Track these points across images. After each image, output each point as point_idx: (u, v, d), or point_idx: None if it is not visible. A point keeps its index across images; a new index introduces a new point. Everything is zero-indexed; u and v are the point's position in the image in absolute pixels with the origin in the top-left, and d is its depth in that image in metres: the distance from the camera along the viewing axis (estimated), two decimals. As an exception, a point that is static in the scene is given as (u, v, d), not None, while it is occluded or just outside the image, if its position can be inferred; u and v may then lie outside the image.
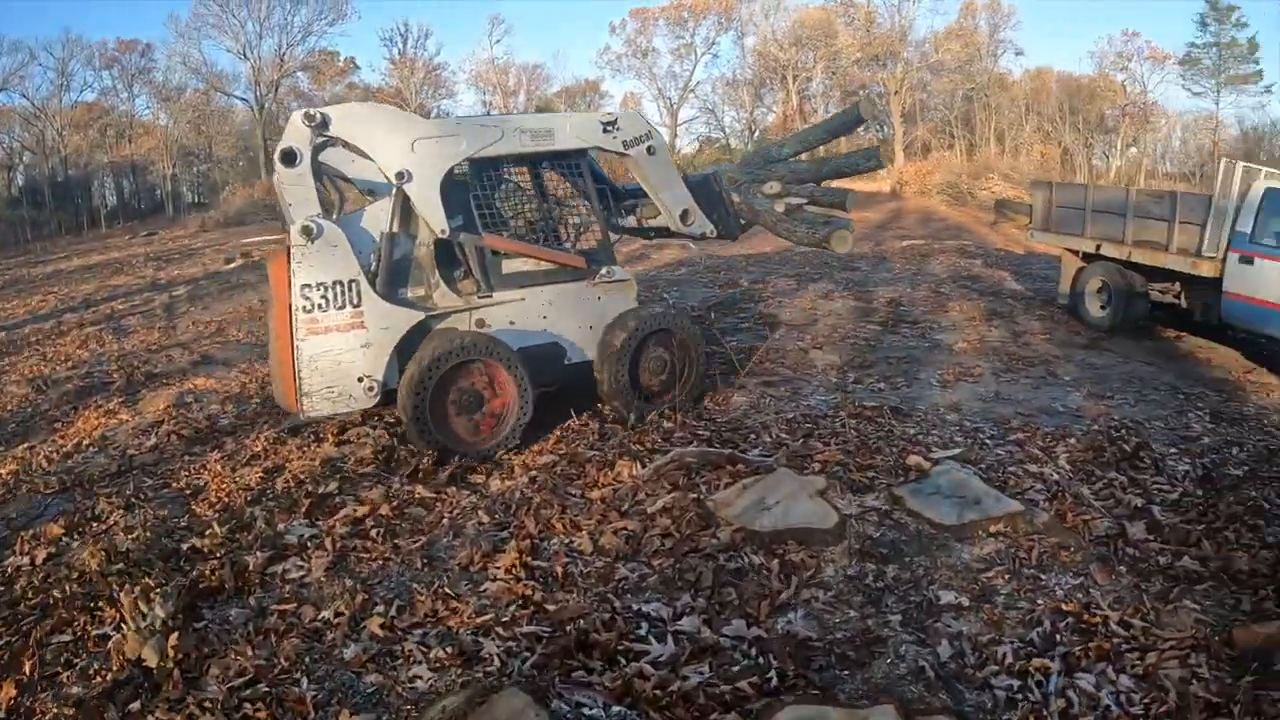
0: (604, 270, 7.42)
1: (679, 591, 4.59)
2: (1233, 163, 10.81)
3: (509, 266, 7.05)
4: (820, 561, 4.90)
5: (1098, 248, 12.28)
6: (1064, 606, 4.52)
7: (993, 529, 5.29)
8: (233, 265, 20.36)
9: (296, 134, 6.18)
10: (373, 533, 5.41)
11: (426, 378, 6.42)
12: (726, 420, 7.55)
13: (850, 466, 6.11)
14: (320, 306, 6.20)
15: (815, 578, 4.76)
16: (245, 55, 49.47)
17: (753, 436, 6.93)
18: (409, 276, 6.83)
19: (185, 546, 5.27)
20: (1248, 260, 10.40)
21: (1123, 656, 4.08)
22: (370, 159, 6.56)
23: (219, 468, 6.71)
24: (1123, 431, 7.51)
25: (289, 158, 6.17)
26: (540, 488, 6.09)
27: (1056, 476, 6.24)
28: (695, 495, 5.64)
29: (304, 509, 5.77)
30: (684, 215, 7.71)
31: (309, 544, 5.27)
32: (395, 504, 5.83)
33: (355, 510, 5.70)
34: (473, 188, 6.96)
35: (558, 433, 7.29)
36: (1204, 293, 11.23)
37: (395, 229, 6.67)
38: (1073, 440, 7.07)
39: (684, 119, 58.44)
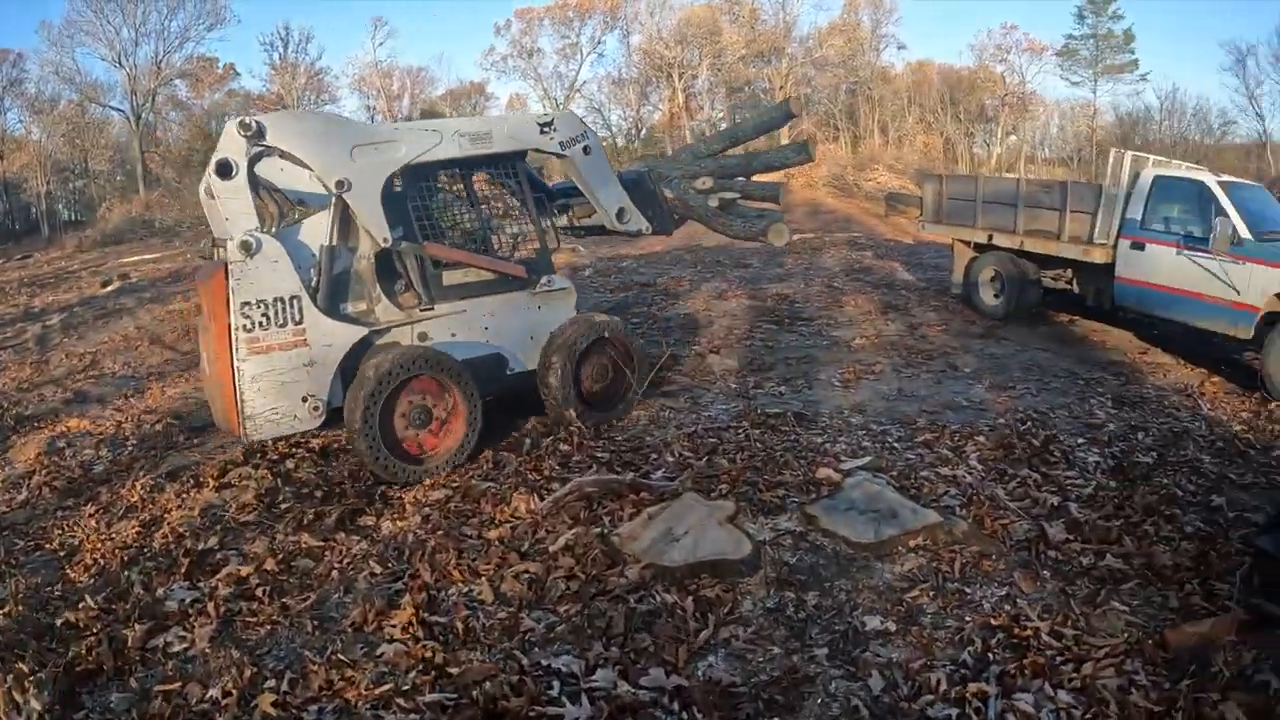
0: (544, 280, 7.44)
1: (590, 640, 4.25)
2: (1122, 152, 11.11)
3: (449, 278, 6.98)
4: (736, 595, 4.62)
5: (990, 238, 12.46)
6: (993, 621, 4.36)
7: (912, 543, 5.11)
8: (110, 289, 19.04)
9: (231, 144, 5.98)
10: (259, 592, 4.91)
11: (376, 394, 6.23)
12: (626, 439, 7.25)
13: (759, 485, 5.85)
14: (261, 325, 6.02)
15: (733, 614, 4.47)
16: (120, 63, 47.49)
17: (654, 456, 6.63)
18: (350, 291, 6.66)
19: (59, 622, 4.69)
20: (1139, 246, 10.69)
21: (1058, 670, 3.93)
22: (308, 167, 6.32)
23: (94, 523, 6.09)
24: (1030, 425, 7.51)
25: (224, 169, 5.98)
26: (434, 528, 5.67)
27: (970, 478, 6.14)
28: (599, 530, 5.31)
29: (184, 569, 5.23)
30: (620, 213, 7.78)
31: (191, 610, 4.75)
32: (281, 557, 5.34)
33: (239, 568, 5.20)
34: (411, 196, 6.87)
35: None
36: (1096, 278, 11.49)
37: (335, 242, 6.47)
38: (981, 438, 7.01)
39: None
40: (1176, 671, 3.88)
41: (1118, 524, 5.44)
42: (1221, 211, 9.79)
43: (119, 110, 49.66)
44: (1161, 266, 10.36)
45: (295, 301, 6.12)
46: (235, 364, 6.00)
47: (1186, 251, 10.09)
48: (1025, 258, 12.18)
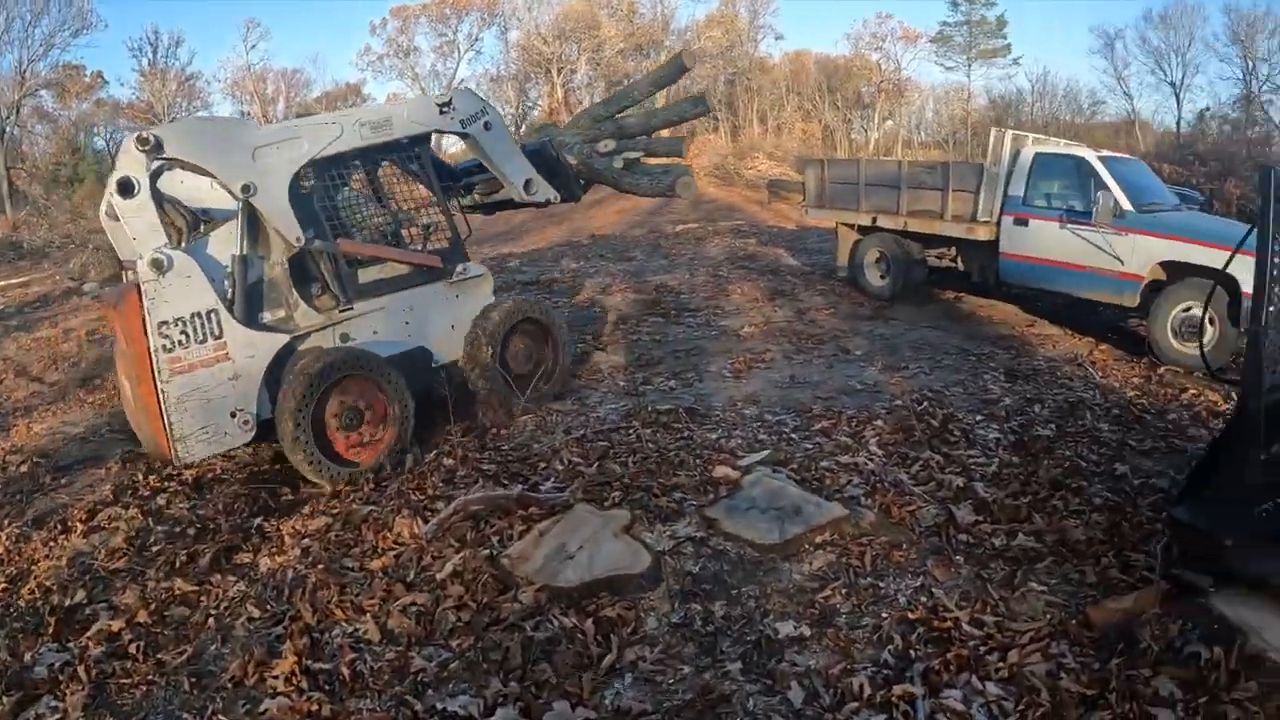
0: (459, 268, 7.48)
1: (487, 676, 3.86)
2: (1002, 131, 11.28)
3: (365, 276, 6.96)
4: (639, 612, 4.29)
5: (874, 220, 12.51)
6: (910, 615, 4.16)
7: (819, 539, 4.88)
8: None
9: (131, 161, 5.83)
10: (132, 649, 4.36)
11: (304, 401, 6.15)
12: (513, 448, 6.87)
13: (654, 489, 5.53)
14: (181, 343, 5.90)
15: (637, 633, 4.14)
16: None
17: (543, 466, 6.24)
18: (266, 299, 6.58)
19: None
20: (1022, 222, 10.86)
21: (984, 660, 3.76)
22: (211, 176, 6.24)
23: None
24: (927, 404, 7.42)
25: (126, 188, 5.82)
26: (314, 562, 5.19)
27: (871, 465, 5.97)
28: (488, 552, 4.91)
29: (52, 628, 4.66)
30: (527, 185, 7.78)
31: (61, 676, 4.20)
32: (154, 607, 4.80)
33: (109, 623, 4.64)
34: (319, 195, 6.74)
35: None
36: (980, 255, 11.63)
37: (246, 251, 6.35)
38: (880, 422, 6.87)
39: None
40: (1104, 650, 3.76)
41: (1025, 501, 5.35)
42: (1103, 185, 10.01)
43: (-20, 124, 46.92)
44: (1046, 241, 10.53)
45: (213, 315, 6.01)
46: (159, 386, 5.86)
47: (1070, 225, 10.27)
48: (909, 238, 12.27)
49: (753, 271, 15.19)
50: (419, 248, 7.40)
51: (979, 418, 7.11)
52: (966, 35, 56.51)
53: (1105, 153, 11.08)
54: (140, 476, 6.68)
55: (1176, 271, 9.41)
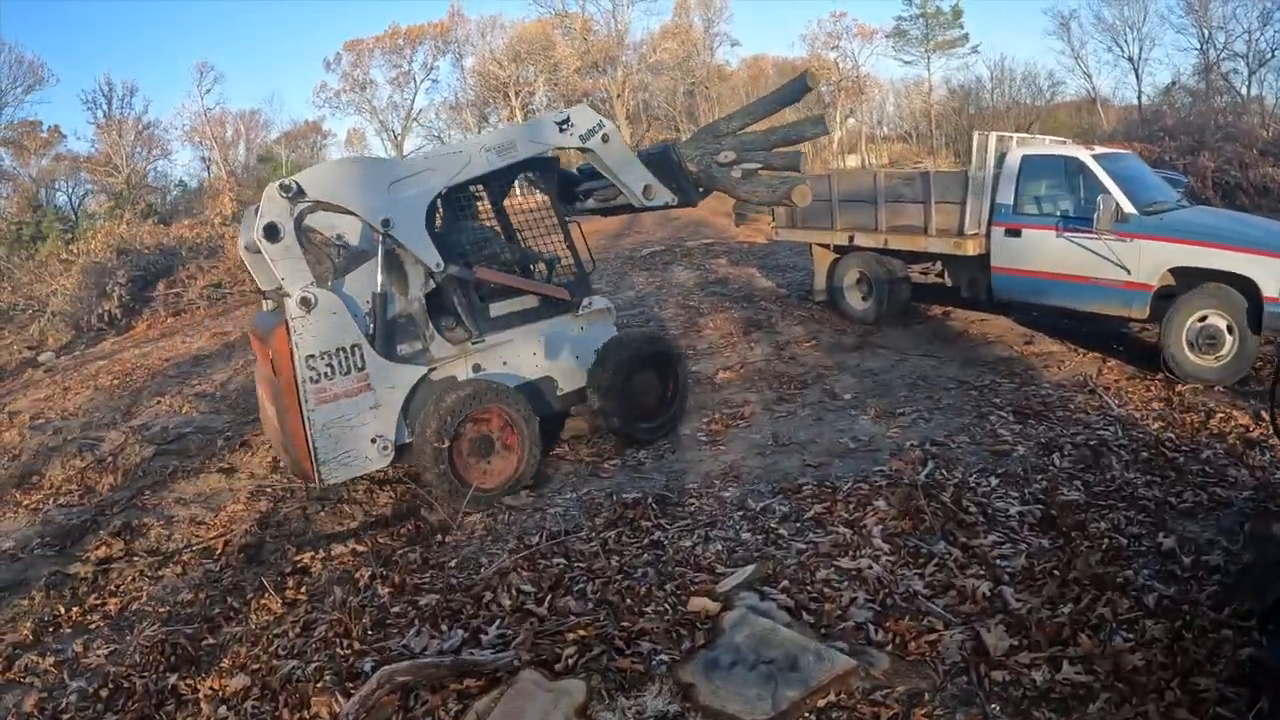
0: (585, 301, 7.69)
1: None
2: (986, 134, 10.29)
3: (496, 310, 7.26)
4: None
5: (851, 239, 11.50)
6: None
7: (822, 703, 3.84)
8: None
9: (274, 207, 6.11)
10: None
11: (446, 427, 6.60)
12: (457, 564, 5.84)
13: (615, 640, 4.42)
14: (326, 375, 6.30)
15: None
16: None
17: (488, 598, 5.15)
18: (403, 332, 6.86)
19: None
20: (1014, 233, 9.89)
21: None
22: (352, 214, 6.57)
23: None
24: (933, 466, 6.44)
25: (272, 233, 6.10)
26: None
27: (877, 570, 4.92)
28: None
29: None
30: (645, 190, 7.90)
31: None
32: None
33: None
34: (450, 224, 7.29)
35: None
36: (969, 269, 10.65)
37: (386, 288, 6.64)
38: (882, 502, 5.84)
39: (410, 149, 57.18)
40: None
41: (1066, 612, 4.34)
42: (1101, 188, 9.06)
43: (-64, 187, 46.19)
44: (1041, 252, 9.58)
45: (356, 349, 6.39)
46: (305, 414, 6.23)
47: (1067, 234, 9.32)
48: (890, 255, 11.29)
49: (726, 299, 14.18)
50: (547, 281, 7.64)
51: (994, 481, 6.11)
52: (923, 28, 56.23)
53: (1099, 149, 10.11)
54: (62, 609, 5.94)
55: (1189, 278, 8.48)
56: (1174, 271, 8.57)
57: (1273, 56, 45.22)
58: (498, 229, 7.91)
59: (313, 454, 6.30)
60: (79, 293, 22.23)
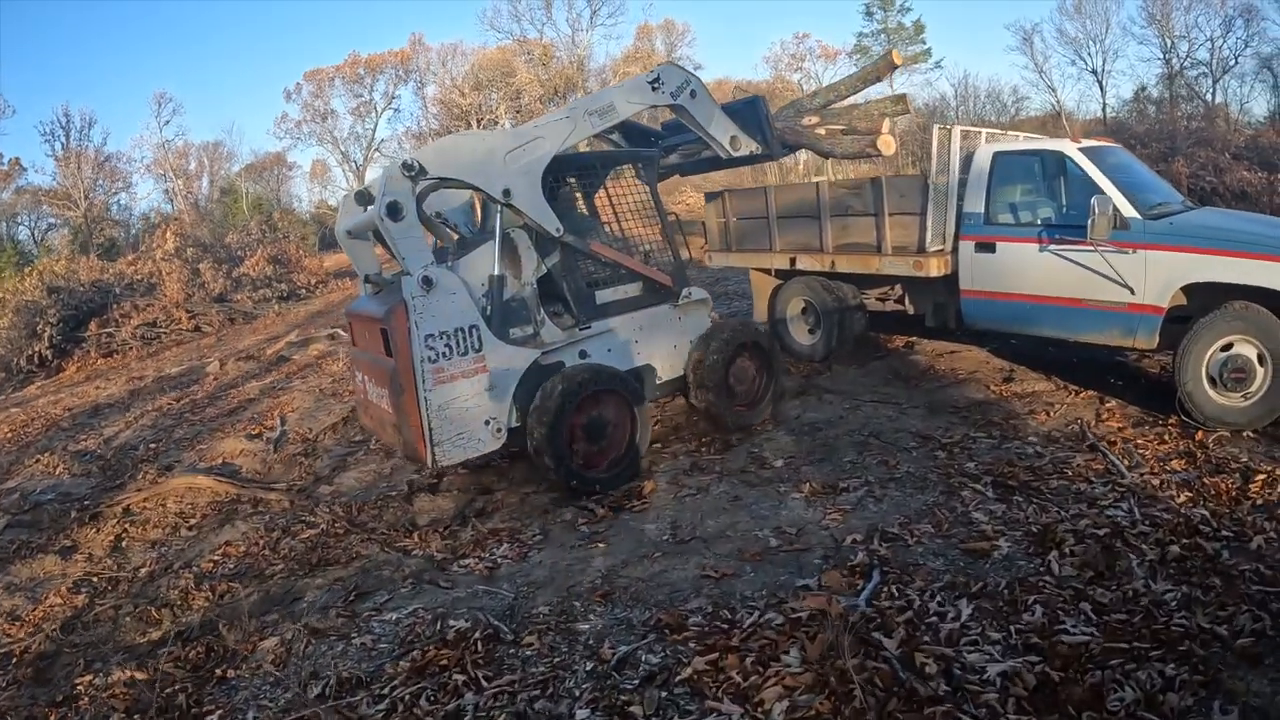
0: (685, 291, 7.54)
1: None
2: (948, 128, 8.28)
3: (601, 297, 7.12)
4: None
5: (793, 261, 9.51)
6: None
7: None
8: None
9: (397, 185, 5.95)
10: None
11: (560, 411, 6.37)
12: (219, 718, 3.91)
13: None
14: (445, 355, 6.09)
15: None
16: None
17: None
18: (516, 316, 6.68)
19: None
20: (987, 247, 7.91)
21: None
22: (474, 188, 6.49)
23: None
24: (877, 581, 4.43)
25: (394, 211, 5.94)
26: None
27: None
28: None
29: None
30: (732, 141, 7.97)
31: None
32: None
33: None
34: (562, 204, 7.02)
35: None
36: (933, 293, 8.70)
37: (502, 270, 6.51)
38: (795, 657, 3.77)
39: (372, 179, 56.11)
40: None
41: None
42: (1093, 188, 7.11)
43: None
44: (1021, 270, 7.61)
45: (474, 330, 6.21)
46: (421, 394, 6.01)
47: (1053, 247, 7.34)
48: (841, 280, 9.30)
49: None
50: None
51: (965, 610, 4.10)
52: (884, 44, 54.85)
53: (1087, 142, 8.05)
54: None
55: (1207, 296, 6.55)
56: (1189, 289, 6.63)
57: (1236, 63, 44.31)
58: (602, 218, 7.68)
59: (428, 435, 6.06)
60: (10, 333, 20.61)
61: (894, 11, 54.55)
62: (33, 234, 50.68)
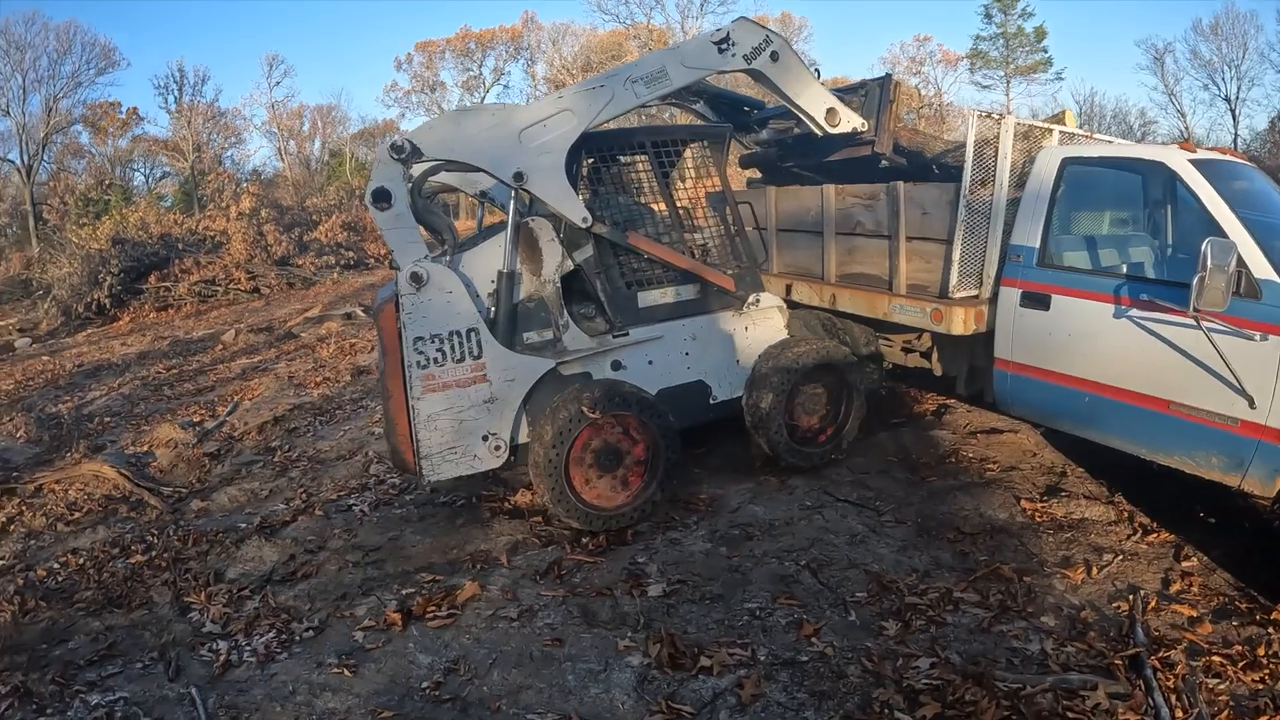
0: (752, 297, 6.29)
1: None
2: (998, 118, 5.64)
3: (645, 299, 6.01)
4: None
5: (788, 289, 7.09)
6: None
7: None
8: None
9: (385, 170, 5.23)
10: None
11: (560, 441, 5.38)
12: None
13: None
14: (436, 360, 5.32)
15: None
16: (8, 112, 44.14)
17: None
18: (533, 318, 5.71)
19: None
20: (1038, 300, 5.28)
21: None
22: (481, 170, 5.59)
23: None
24: None
25: (381, 197, 5.23)
26: None
27: None
28: None
29: None
30: (829, 114, 6.51)
31: None
32: None
33: None
34: (596, 187, 6.18)
35: None
36: (968, 352, 6.18)
37: (515, 267, 5.60)
38: None
39: None
40: None
41: None
42: (1209, 224, 4.44)
43: (10, 161, 46.40)
44: (1086, 341, 4.98)
45: (473, 334, 5.40)
46: (409, 402, 5.34)
47: (1135, 311, 4.71)
48: (851, 318, 6.81)
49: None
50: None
51: None
52: (1002, 49, 51.49)
53: (1204, 154, 5.20)
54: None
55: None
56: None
57: (1382, 99, 39.68)
58: (657, 208, 6.41)
59: (415, 445, 5.36)
60: (74, 279, 20.98)
61: (1014, 15, 50.84)
62: (147, 180, 51.50)
